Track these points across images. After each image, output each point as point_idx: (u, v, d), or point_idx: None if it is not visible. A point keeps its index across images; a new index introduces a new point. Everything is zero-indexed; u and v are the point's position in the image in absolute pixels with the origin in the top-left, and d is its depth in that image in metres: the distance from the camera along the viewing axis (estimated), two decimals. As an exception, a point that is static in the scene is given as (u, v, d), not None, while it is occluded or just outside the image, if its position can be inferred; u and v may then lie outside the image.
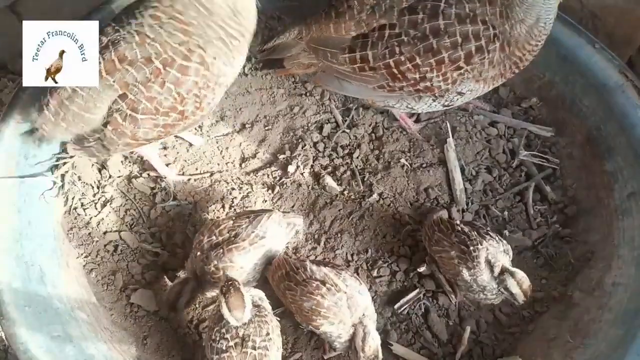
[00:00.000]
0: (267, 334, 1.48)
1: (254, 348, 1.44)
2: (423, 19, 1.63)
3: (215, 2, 1.53)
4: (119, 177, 1.98)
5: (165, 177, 1.98)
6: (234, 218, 1.72)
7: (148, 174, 1.99)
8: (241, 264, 1.65)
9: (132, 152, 1.99)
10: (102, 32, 1.59)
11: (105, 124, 1.60)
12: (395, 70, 1.70)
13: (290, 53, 1.90)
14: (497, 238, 1.68)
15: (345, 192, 2.02)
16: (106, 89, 1.55)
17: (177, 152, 2.06)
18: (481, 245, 1.64)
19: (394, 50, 1.67)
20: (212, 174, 2.02)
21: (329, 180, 2.02)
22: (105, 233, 1.90)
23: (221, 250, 1.64)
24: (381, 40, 1.68)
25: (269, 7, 2.38)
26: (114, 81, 1.54)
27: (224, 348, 1.45)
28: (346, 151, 2.10)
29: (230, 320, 1.45)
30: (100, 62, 1.54)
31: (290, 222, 1.81)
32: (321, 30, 1.79)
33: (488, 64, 1.67)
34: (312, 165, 2.06)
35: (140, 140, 1.66)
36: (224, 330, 1.47)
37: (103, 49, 1.55)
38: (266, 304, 1.60)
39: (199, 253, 1.68)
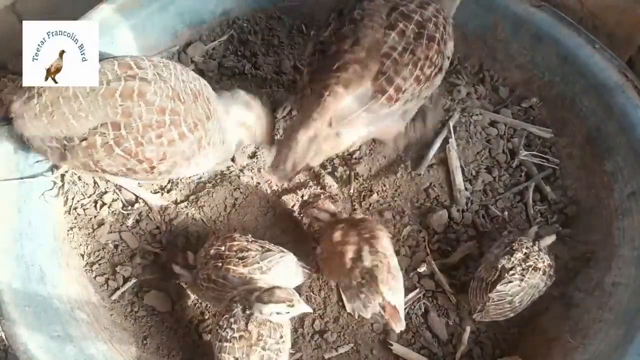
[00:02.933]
0: (281, 337, 1.46)
1: (263, 349, 1.42)
2: (405, 25, 1.69)
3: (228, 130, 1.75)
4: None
5: (145, 199, 1.95)
6: (252, 241, 1.70)
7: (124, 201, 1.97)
8: (232, 284, 1.61)
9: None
10: (147, 58, 1.64)
11: (82, 139, 1.56)
12: (421, 76, 1.71)
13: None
14: None
15: (345, 192, 2.02)
16: (107, 107, 1.53)
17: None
18: None
19: (414, 61, 1.68)
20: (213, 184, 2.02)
21: (329, 180, 2.02)
22: (105, 233, 1.89)
23: (220, 264, 1.62)
24: (396, 65, 1.66)
25: (270, 7, 2.38)
26: (120, 106, 1.53)
27: (227, 337, 1.42)
28: (345, 157, 2.10)
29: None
30: (121, 82, 1.54)
31: (303, 267, 1.77)
32: (338, 110, 1.65)
33: (448, 24, 1.82)
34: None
35: (97, 168, 1.62)
36: (232, 320, 1.44)
37: (131, 76, 1.56)
38: (269, 327, 1.52)
39: (203, 254, 1.68)
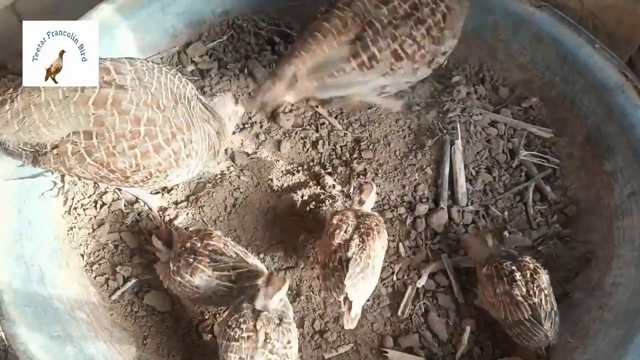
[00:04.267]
0: (289, 342, 1.45)
1: (271, 352, 1.40)
2: (400, 3, 1.81)
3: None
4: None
5: (147, 203, 1.95)
6: (231, 246, 1.66)
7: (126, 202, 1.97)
8: (197, 283, 1.59)
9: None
10: (128, 62, 1.57)
11: (53, 147, 1.53)
12: (400, 52, 1.83)
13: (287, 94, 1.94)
14: None
15: (345, 192, 2.02)
16: (80, 115, 1.49)
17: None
18: None
19: (394, 35, 1.81)
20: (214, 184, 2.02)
21: (329, 180, 2.02)
22: (105, 233, 1.89)
23: (192, 260, 1.59)
24: (378, 35, 1.80)
25: (270, 7, 2.38)
26: (93, 114, 1.48)
27: (236, 337, 1.41)
28: (345, 157, 2.10)
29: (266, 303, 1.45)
30: (95, 90, 1.49)
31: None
32: (315, 55, 1.84)
33: (456, 19, 1.93)
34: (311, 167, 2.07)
35: (70, 174, 1.62)
36: (241, 320, 1.43)
37: (108, 82, 1.50)
38: (290, 312, 1.56)
39: (180, 244, 1.66)
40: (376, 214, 1.79)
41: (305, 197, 1.98)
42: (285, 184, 2.03)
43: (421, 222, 1.96)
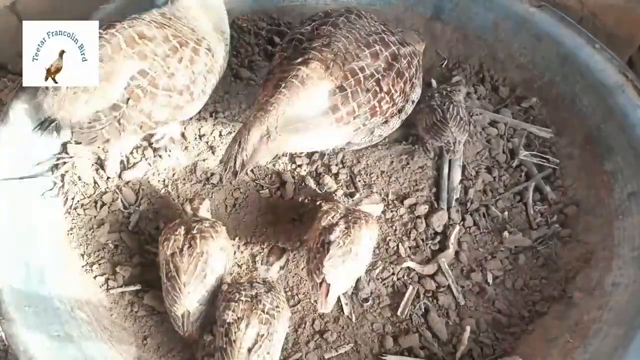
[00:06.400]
0: (277, 306, 1.58)
1: (263, 311, 1.54)
2: (381, 50, 1.70)
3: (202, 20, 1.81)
4: (118, 177, 1.98)
5: (164, 134, 2.01)
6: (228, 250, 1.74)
7: (144, 155, 2.01)
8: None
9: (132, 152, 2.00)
10: (114, 21, 1.68)
11: (126, 100, 1.63)
12: (377, 108, 1.71)
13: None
14: None
15: (344, 192, 2.02)
16: (127, 59, 1.60)
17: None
18: None
19: (374, 90, 1.68)
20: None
21: (328, 180, 2.02)
22: (105, 233, 1.89)
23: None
24: (359, 86, 1.65)
25: (270, 7, 2.39)
26: (133, 53, 1.61)
27: (235, 299, 1.56)
28: (345, 157, 2.10)
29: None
30: (118, 36, 1.61)
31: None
32: (292, 107, 1.59)
33: (420, 69, 1.91)
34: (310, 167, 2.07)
35: (151, 122, 1.71)
36: (242, 289, 1.60)
37: (119, 30, 1.63)
38: (281, 289, 1.69)
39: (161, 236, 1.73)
40: (372, 214, 1.79)
41: (305, 199, 1.98)
42: (286, 184, 2.03)
43: (421, 222, 1.96)
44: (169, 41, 1.67)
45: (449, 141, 1.95)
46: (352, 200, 1.89)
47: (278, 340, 1.56)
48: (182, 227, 1.69)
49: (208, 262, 1.63)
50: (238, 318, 1.52)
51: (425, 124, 2.01)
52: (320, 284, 1.60)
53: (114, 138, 1.69)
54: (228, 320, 1.52)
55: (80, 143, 1.89)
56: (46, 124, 1.64)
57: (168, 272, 1.63)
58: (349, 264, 1.63)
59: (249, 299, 1.56)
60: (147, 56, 1.63)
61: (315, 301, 1.80)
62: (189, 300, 1.59)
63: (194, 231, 1.66)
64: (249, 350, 1.49)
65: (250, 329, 1.50)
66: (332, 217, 1.70)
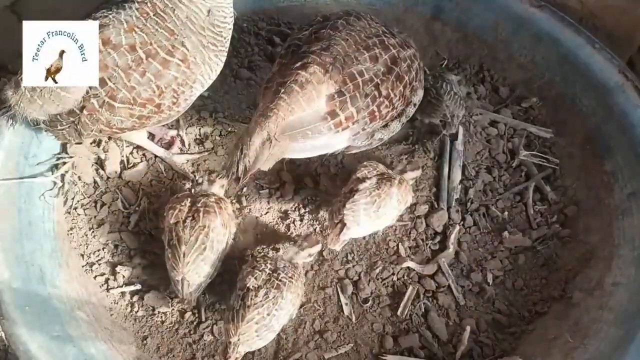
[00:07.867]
0: (291, 277, 1.65)
1: (277, 278, 1.62)
2: (380, 53, 1.68)
3: (194, 10, 1.58)
4: (118, 177, 1.98)
5: (165, 159, 1.99)
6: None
7: (144, 155, 2.01)
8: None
9: (131, 152, 2.00)
10: (90, 16, 1.62)
11: (81, 108, 1.60)
12: (376, 113, 1.70)
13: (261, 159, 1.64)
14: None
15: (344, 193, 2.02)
16: None
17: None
18: None
19: (374, 95, 1.66)
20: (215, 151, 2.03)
21: (327, 182, 2.02)
22: (105, 233, 1.89)
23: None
24: (358, 90, 1.63)
25: (270, 7, 2.38)
26: None
27: (260, 268, 1.64)
28: (345, 157, 2.09)
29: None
30: None
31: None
32: (293, 112, 1.59)
33: (421, 72, 1.88)
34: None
35: (114, 129, 1.66)
36: (269, 262, 1.68)
37: None
38: (302, 273, 1.74)
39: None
40: (408, 181, 1.87)
41: (305, 199, 1.98)
42: (286, 184, 2.02)
43: (421, 222, 1.96)
44: (135, 51, 1.54)
45: (446, 115, 1.95)
46: (397, 168, 1.94)
47: (282, 307, 1.60)
48: (188, 199, 1.75)
49: (209, 235, 1.67)
50: (258, 286, 1.59)
51: (420, 104, 1.97)
52: (337, 223, 1.70)
53: (75, 139, 1.72)
54: (248, 286, 1.60)
55: (80, 143, 1.89)
56: (6, 111, 1.68)
57: (170, 239, 1.69)
58: (369, 214, 1.73)
59: (272, 272, 1.63)
60: (107, 66, 1.54)
61: (319, 303, 1.81)
62: (186, 270, 1.64)
63: (199, 204, 1.71)
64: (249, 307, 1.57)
65: (262, 291, 1.59)
66: (368, 172, 1.81)
